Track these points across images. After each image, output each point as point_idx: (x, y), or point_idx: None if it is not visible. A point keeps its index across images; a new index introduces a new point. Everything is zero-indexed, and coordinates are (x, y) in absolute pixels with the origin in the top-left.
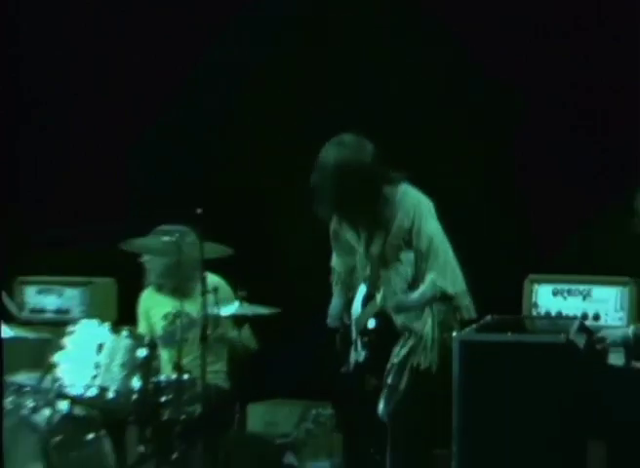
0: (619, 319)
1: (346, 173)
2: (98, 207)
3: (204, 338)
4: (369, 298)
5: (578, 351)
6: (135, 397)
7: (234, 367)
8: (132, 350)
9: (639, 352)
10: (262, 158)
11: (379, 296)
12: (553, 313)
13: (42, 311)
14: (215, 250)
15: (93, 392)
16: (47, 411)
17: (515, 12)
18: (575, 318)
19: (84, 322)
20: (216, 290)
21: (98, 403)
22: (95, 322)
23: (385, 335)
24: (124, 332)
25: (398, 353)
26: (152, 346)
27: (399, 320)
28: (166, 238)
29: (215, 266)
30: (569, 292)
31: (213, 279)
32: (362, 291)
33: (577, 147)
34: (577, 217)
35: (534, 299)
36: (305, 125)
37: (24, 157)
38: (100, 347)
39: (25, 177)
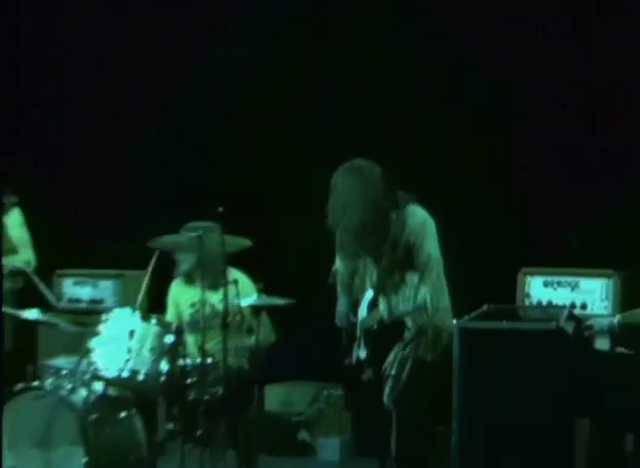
0: (604, 308)
1: (368, 209)
2: (98, 207)
3: (225, 325)
4: (374, 303)
5: (567, 337)
6: (163, 379)
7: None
8: (160, 336)
9: (623, 339)
10: (262, 158)
11: (382, 306)
12: (544, 303)
13: (78, 301)
14: (235, 243)
15: (125, 374)
16: (84, 392)
17: (515, 12)
18: (564, 307)
19: (117, 311)
20: (236, 282)
21: (130, 384)
22: (127, 310)
23: (385, 338)
24: (153, 320)
25: (403, 346)
26: (179, 332)
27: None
28: (189, 234)
29: (235, 261)
30: (558, 283)
31: (234, 273)
32: (368, 295)
33: (577, 147)
34: (577, 217)
35: (526, 290)
36: (305, 125)
37: (24, 157)
38: (132, 333)
39: (25, 177)
